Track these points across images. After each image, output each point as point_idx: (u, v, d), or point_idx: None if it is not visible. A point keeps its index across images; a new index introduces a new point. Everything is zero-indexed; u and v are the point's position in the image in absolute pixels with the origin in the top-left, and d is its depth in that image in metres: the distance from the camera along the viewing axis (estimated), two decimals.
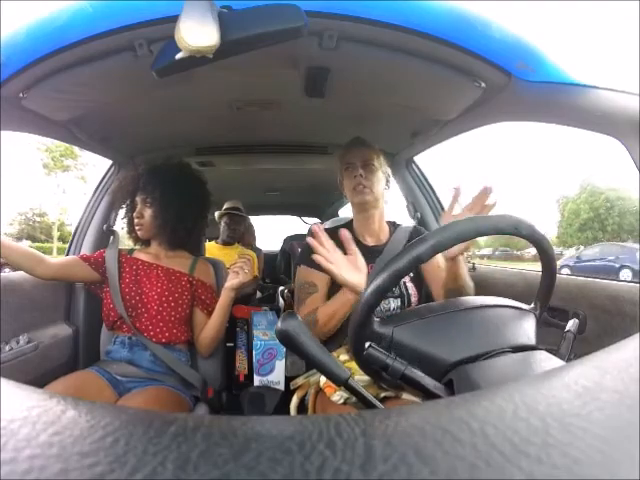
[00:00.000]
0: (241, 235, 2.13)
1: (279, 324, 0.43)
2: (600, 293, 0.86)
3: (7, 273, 1.06)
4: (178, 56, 0.55)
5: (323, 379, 0.82)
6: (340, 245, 0.99)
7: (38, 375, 0.99)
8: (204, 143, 1.38)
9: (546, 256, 0.52)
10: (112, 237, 1.17)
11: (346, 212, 2.47)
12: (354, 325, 0.49)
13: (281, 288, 1.81)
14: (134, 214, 1.04)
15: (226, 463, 0.12)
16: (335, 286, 0.96)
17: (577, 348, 0.53)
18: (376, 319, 0.49)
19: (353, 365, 0.69)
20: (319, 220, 2.74)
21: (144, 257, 1.08)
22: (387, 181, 1.04)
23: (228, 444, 0.13)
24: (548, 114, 0.79)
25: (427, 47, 0.68)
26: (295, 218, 3.15)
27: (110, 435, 0.13)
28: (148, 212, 1.03)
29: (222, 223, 2.06)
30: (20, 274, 1.06)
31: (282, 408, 0.98)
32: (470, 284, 0.84)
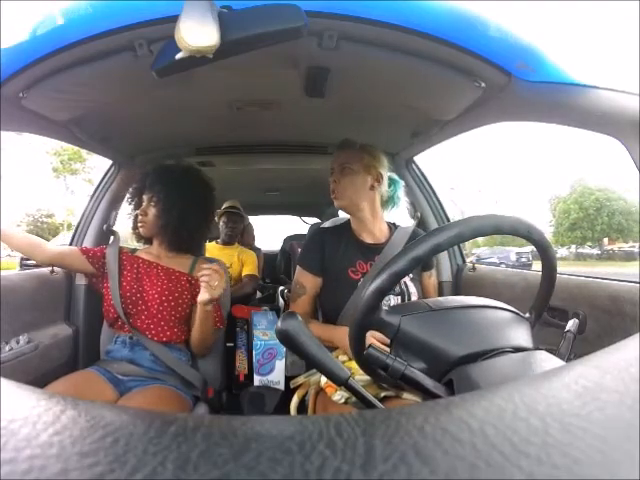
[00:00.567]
0: (240, 235, 2.14)
1: (279, 324, 0.43)
2: (600, 293, 0.86)
3: (7, 273, 1.06)
4: (178, 56, 0.55)
5: (324, 379, 0.82)
6: (339, 243, 0.99)
7: (38, 375, 0.99)
8: (204, 143, 1.38)
9: (548, 264, 0.52)
10: (112, 237, 1.18)
11: None
12: (355, 325, 0.49)
13: (281, 288, 1.81)
14: (139, 211, 1.05)
15: (226, 463, 0.12)
16: (325, 289, 0.97)
17: (577, 348, 0.53)
18: (384, 308, 0.50)
19: (353, 365, 0.69)
20: (319, 220, 2.74)
21: (145, 256, 1.08)
22: (377, 181, 1.00)
23: (228, 444, 0.13)
24: (548, 114, 0.79)
25: (427, 47, 0.68)
26: (295, 218, 3.15)
27: (110, 435, 0.13)
28: (152, 211, 1.03)
29: (221, 223, 2.06)
30: (20, 274, 1.06)
31: (282, 408, 0.98)
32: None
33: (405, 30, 0.64)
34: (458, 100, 0.90)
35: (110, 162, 1.34)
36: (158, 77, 0.62)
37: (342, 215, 1.20)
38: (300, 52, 0.75)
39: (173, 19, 0.54)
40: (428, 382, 0.44)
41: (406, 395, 0.74)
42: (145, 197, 1.05)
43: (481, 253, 15.23)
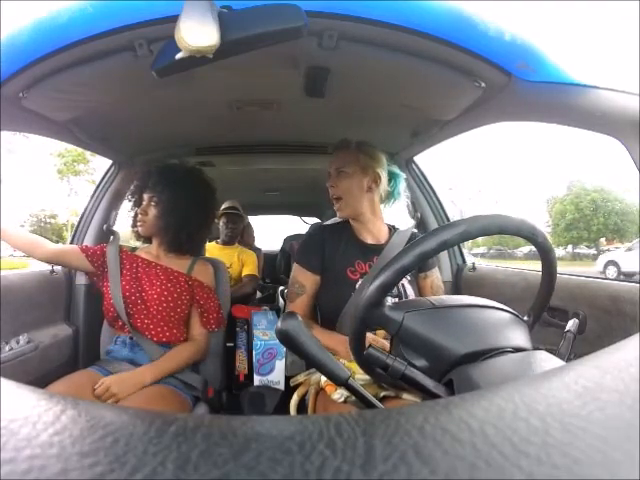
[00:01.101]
0: (239, 235, 2.14)
1: (279, 324, 0.43)
2: (600, 293, 0.86)
3: (7, 273, 1.06)
4: (178, 56, 0.55)
5: (324, 378, 0.82)
6: (340, 242, 0.99)
7: (38, 375, 0.99)
8: (204, 143, 1.38)
9: (549, 268, 0.51)
10: (112, 237, 1.18)
11: None
12: (357, 320, 0.49)
13: (281, 288, 1.81)
14: (139, 210, 1.05)
15: (226, 463, 0.12)
16: (323, 288, 0.97)
17: (577, 348, 0.53)
18: (388, 303, 0.50)
19: (353, 365, 0.69)
20: (319, 220, 2.74)
21: (144, 255, 1.08)
22: (375, 182, 0.99)
23: (228, 444, 0.13)
24: (548, 114, 0.79)
25: (427, 47, 0.68)
26: (295, 218, 3.15)
27: (110, 435, 0.13)
28: (153, 211, 1.03)
29: (220, 223, 2.06)
30: (20, 274, 1.06)
31: (282, 408, 0.98)
32: None
33: (405, 30, 0.64)
34: (458, 100, 0.89)
35: (110, 162, 1.35)
36: (158, 77, 0.62)
37: None
38: (300, 52, 0.75)
39: (173, 19, 0.54)
40: (428, 382, 0.44)
41: (406, 395, 0.74)
42: (146, 196, 1.05)
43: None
